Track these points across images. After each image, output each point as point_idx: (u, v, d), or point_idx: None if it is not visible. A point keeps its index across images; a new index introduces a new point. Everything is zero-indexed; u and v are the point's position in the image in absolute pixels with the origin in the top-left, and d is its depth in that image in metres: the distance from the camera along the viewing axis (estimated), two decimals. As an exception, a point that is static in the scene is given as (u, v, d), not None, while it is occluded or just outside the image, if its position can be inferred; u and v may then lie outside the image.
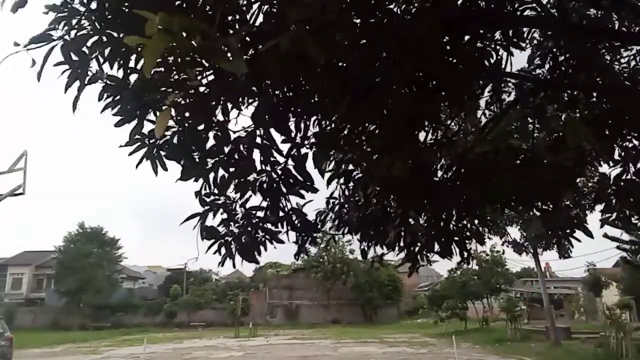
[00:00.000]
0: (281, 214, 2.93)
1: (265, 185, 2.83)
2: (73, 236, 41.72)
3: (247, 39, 2.16)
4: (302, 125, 2.81)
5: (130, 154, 2.70)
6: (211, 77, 2.33)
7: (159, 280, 53.93)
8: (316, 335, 29.98)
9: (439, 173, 3.51)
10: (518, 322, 23.03)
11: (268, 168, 2.77)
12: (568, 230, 3.72)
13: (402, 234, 3.50)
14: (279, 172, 2.81)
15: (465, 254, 3.53)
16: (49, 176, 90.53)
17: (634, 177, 3.43)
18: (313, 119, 2.85)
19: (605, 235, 14.77)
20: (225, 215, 2.93)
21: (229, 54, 1.56)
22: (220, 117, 2.57)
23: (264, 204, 2.92)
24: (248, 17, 2.32)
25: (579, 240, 3.64)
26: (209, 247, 2.86)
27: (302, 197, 2.86)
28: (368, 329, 33.79)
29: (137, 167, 2.74)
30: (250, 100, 2.60)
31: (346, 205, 3.71)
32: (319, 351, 20.18)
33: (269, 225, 2.95)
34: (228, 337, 29.80)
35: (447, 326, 27.90)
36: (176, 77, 2.32)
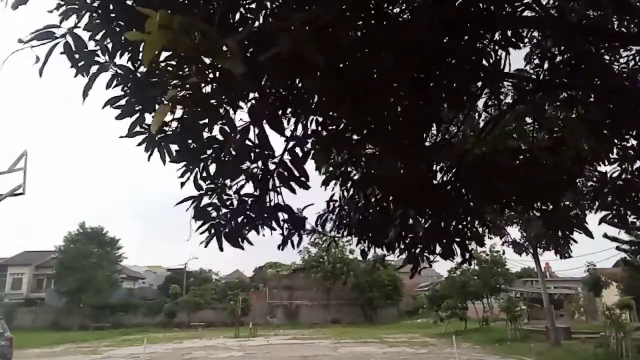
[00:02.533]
0: (267, 206, 2.97)
1: (258, 175, 2.86)
2: (73, 236, 41.73)
3: (248, 39, 2.17)
4: (302, 125, 2.82)
5: (140, 144, 2.74)
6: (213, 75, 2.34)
7: (159, 280, 53.94)
8: (316, 335, 29.99)
9: (439, 174, 3.52)
10: (518, 322, 23.03)
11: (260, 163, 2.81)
12: (568, 231, 3.73)
13: (403, 235, 3.51)
14: (273, 165, 2.84)
15: (466, 255, 3.53)
16: (49, 176, 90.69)
17: (632, 177, 3.44)
18: (313, 119, 2.86)
19: (605, 236, 14.79)
20: (216, 199, 2.99)
21: (228, 53, 1.58)
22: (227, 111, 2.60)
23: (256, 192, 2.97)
24: (248, 17, 2.33)
25: (575, 242, 3.64)
26: (199, 227, 2.92)
27: (294, 191, 2.88)
28: (368, 329, 33.80)
29: (149, 159, 2.77)
30: (249, 97, 2.61)
31: (346, 207, 3.72)
32: (319, 351, 20.18)
33: (255, 215, 3.00)
34: (228, 337, 29.81)
35: (447, 326, 27.91)
36: (186, 71, 2.34)
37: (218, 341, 27.20)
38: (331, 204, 3.77)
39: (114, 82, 2.61)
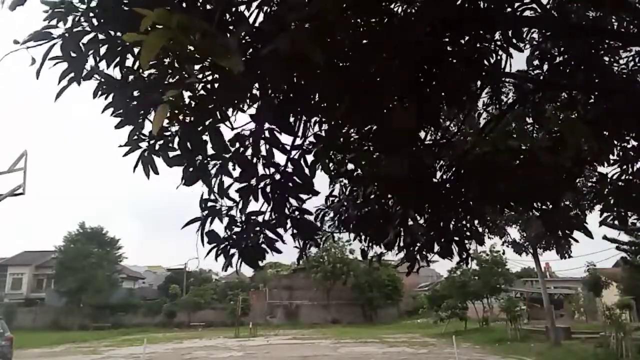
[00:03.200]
0: (287, 214, 2.92)
1: (268, 189, 2.81)
2: (73, 236, 41.72)
3: (247, 38, 2.17)
4: (302, 126, 2.81)
5: (125, 154, 2.70)
6: (211, 78, 2.33)
7: (159, 280, 53.91)
8: (316, 335, 29.98)
9: (439, 174, 3.52)
10: (518, 322, 23.03)
11: (270, 171, 2.76)
12: (568, 231, 3.72)
13: (402, 233, 3.51)
14: (280, 175, 2.80)
15: (465, 255, 3.53)
16: (49, 176, 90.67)
17: (632, 178, 3.43)
18: (313, 119, 2.85)
19: (605, 237, 14.78)
20: (226, 220, 2.93)
21: (227, 53, 1.57)
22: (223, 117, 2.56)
23: (264, 208, 2.90)
24: (248, 16, 2.32)
25: (576, 241, 3.64)
26: (209, 252, 2.85)
27: (302, 200, 2.85)
28: (368, 329, 33.79)
29: (134, 170, 2.74)
30: (251, 102, 2.60)
31: (345, 204, 3.72)
32: (319, 351, 20.18)
33: (268, 232, 2.92)
34: (228, 337, 29.80)
35: (447, 326, 27.90)
36: (177, 77, 2.33)
37: (218, 341, 27.19)
38: (330, 199, 3.77)
39: (99, 92, 2.59)
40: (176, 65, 2.18)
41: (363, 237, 3.68)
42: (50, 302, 42.82)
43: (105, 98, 2.59)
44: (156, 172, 2.72)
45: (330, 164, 3.35)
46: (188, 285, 44.62)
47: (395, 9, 2.73)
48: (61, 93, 2.55)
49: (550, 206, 3.56)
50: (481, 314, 29.10)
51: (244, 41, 2.13)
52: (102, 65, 2.58)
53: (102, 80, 2.58)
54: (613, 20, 3.62)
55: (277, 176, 2.78)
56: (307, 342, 24.78)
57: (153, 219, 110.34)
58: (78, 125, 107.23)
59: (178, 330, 37.73)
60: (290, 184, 2.76)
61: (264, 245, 2.87)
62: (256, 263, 2.90)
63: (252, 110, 2.59)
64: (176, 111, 2.33)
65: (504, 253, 27.57)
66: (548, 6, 3.28)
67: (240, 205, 2.87)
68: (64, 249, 41.09)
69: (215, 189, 2.77)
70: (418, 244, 3.50)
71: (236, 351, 21.25)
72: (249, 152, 2.65)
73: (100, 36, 2.42)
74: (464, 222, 3.54)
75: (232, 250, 2.85)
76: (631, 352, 14.15)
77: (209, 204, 2.84)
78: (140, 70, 2.44)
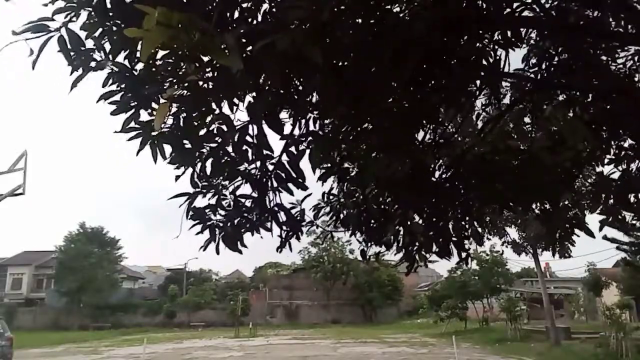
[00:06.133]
0: (267, 207, 2.97)
1: (255, 177, 2.85)
2: (73, 236, 41.76)
3: (246, 37, 2.17)
4: (299, 125, 2.82)
5: (130, 139, 2.68)
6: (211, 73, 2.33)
7: (159, 280, 53.97)
8: (316, 335, 29.98)
9: (438, 173, 3.52)
10: (518, 322, 23.04)
11: (259, 159, 2.80)
12: (567, 231, 3.73)
13: (401, 233, 3.51)
14: (272, 166, 2.83)
15: (464, 255, 3.53)
16: (49, 176, 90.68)
17: (630, 178, 3.43)
18: (310, 117, 2.86)
19: (605, 237, 14.75)
20: (213, 200, 2.97)
21: (226, 51, 1.59)
22: (224, 110, 2.58)
23: (254, 193, 2.95)
24: (247, 15, 2.32)
25: (573, 244, 3.64)
26: (192, 226, 2.90)
27: (292, 193, 2.88)
28: (368, 329, 33.79)
29: (137, 154, 2.70)
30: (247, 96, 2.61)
31: (342, 200, 3.72)
32: (319, 351, 20.19)
33: (255, 215, 2.98)
34: (228, 337, 29.81)
35: (447, 326, 27.91)
36: (184, 68, 2.33)
37: (218, 341, 27.19)
38: (328, 197, 3.77)
39: (110, 81, 2.59)
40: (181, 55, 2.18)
41: (361, 237, 3.68)
42: (50, 302, 42.84)
43: (116, 88, 2.57)
44: (164, 157, 2.70)
45: (327, 162, 3.35)
46: (188, 285, 44.62)
47: (395, 9, 2.73)
48: (75, 85, 2.54)
49: (550, 206, 3.56)
50: (481, 314, 29.12)
51: (243, 39, 2.13)
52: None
53: (114, 69, 2.58)
54: (611, 20, 3.61)
55: (269, 166, 2.81)
56: (307, 342, 24.78)
57: (153, 218, 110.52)
58: (78, 125, 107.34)
59: (178, 330, 37.73)
60: (283, 175, 2.78)
61: (248, 226, 2.93)
62: (236, 246, 2.94)
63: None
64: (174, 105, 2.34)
65: (502, 253, 27.63)
66: (547, 6, 3.28)
67: (229, 188, 2.91)
68: (64, 249, 41.12)
69: (208, 171, 2.79)
70: (417, 244, 3.50)
71: (236, 351, 21.25)
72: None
73: (113, 28, 2.42)
74: (463, 222, 3.54)
75: (216, 230, 2.91)
76: (631, 352, 14.15)
77: (202, 181, 2.88)
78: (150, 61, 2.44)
